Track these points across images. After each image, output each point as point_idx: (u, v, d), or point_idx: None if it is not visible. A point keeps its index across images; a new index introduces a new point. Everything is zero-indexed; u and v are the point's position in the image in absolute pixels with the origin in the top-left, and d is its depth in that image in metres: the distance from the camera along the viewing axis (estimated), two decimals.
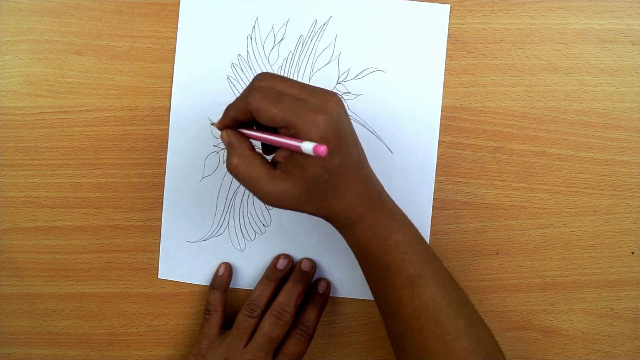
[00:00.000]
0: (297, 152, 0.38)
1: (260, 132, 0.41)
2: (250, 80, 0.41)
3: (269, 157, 0.42)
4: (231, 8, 0.51)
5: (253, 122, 0.41)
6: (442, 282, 0.43)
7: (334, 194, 0.41)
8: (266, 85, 0.40)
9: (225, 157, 0.51)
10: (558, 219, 0.51)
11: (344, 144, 0.40)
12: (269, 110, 0.38)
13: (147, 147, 0.52)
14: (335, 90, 0.51)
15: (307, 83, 0.49)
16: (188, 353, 0.52)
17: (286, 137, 0.38)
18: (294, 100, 0.39)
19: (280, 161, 0.40)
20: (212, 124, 0.47)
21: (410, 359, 0.43)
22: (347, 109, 0.50)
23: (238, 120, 0.41)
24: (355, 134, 0.42)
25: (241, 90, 0.51)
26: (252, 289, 0.51)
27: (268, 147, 0.44)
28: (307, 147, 0.36)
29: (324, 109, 0.38)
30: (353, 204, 0.42)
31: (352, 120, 0.50)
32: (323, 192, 0.40)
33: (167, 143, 0.52)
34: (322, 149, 0.35)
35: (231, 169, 0.40)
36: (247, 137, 0.42)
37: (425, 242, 0.45)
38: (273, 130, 0.40)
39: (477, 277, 0.51)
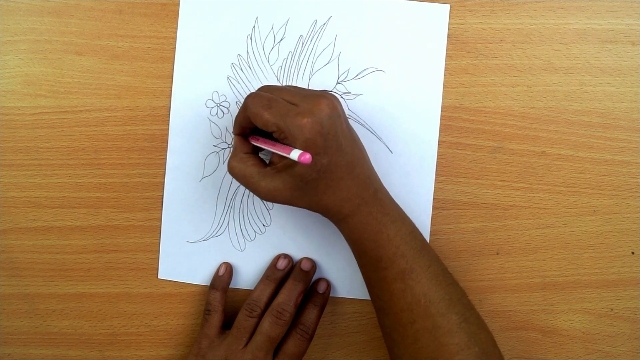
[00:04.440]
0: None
1: (261, 140, 0.45)
2: (250, 82, 0.43)
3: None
4: (231, 8, 0.51)
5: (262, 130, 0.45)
6: (436, 277, 0.44)
7: (325, 190, 0.43)
8: (261, 92, 0.44)
9: (225, 157, 0.51)
10: (558, 219, 0.51)
11: (333, 144, 0.42)
12: (262, 116, 0.42)
13: (147, 147, 0.52)
14: (334, 91, 0.51)
15: (306, 87, 0.50)
16: (188, 353, 0.52)
17: (278, 145, 0.42)
18: (284, 105, 0.42)
19: (274, 161, 0.44)
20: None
21: (402, 354, 0.43)
22: (346, 109, 0.51)
23: (244, 127, 0.45)
24: (350, 132, 0.45)
25: (241, 91, 0.51)
26: (252, 289, 0.51)
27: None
28: (294, 155, 0.39)
29: (310, 112, 0.41)
30: (344, 200, 0.44)
31: (352, 120, 0.51)
32: (314, 188, 0.43)
33: (167, 143, 0.52)
34: (306, 157, 0.38)
35: (229, 169, 0.45)
36: (252, 143, 0.46)
37: (422, 238, 0.45)
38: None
39: (477, 277, 0.51)
